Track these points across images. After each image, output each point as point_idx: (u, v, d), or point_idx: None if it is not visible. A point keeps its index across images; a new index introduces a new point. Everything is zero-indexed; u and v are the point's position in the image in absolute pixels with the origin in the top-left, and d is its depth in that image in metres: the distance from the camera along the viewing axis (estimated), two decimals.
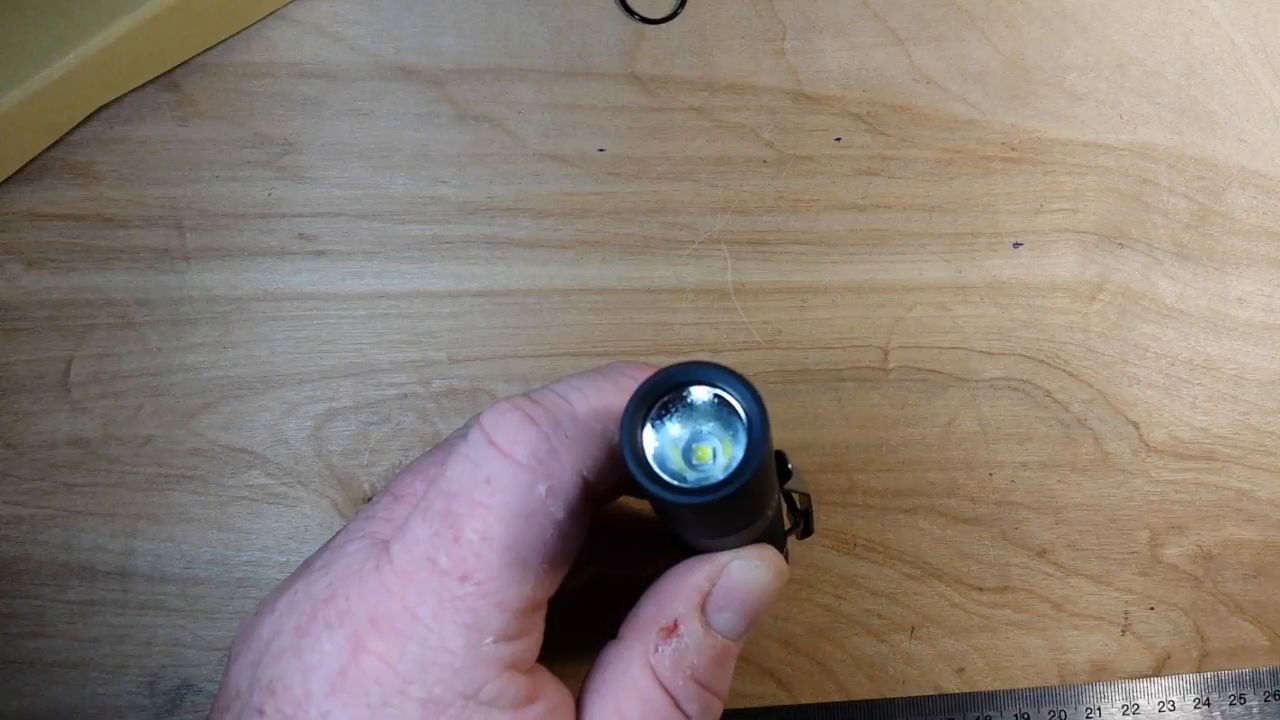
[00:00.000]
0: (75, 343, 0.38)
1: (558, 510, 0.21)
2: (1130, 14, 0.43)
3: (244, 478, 0.38)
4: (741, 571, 0.23)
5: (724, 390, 0.21)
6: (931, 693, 0.38)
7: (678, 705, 0.23)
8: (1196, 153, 0.42)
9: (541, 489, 0.21)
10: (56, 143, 0.39)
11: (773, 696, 0.37)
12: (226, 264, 0.39)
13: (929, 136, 0.41)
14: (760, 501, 0.23)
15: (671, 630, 0.23)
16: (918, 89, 0.42)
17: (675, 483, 0.20)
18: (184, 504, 0.37)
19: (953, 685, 0.38)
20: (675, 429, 0.21)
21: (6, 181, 0.38)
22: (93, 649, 0.36)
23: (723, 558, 0.24)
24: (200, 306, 0.38)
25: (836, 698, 0.38)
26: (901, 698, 0.38)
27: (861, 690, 0.38)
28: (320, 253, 0.39)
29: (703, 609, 0.23)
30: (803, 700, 0.37)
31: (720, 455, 0.21)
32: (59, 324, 0.38)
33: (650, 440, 0.21)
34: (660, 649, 0.23)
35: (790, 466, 0.26)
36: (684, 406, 0.21)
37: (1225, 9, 0.43)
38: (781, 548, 0.27)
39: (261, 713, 0.21)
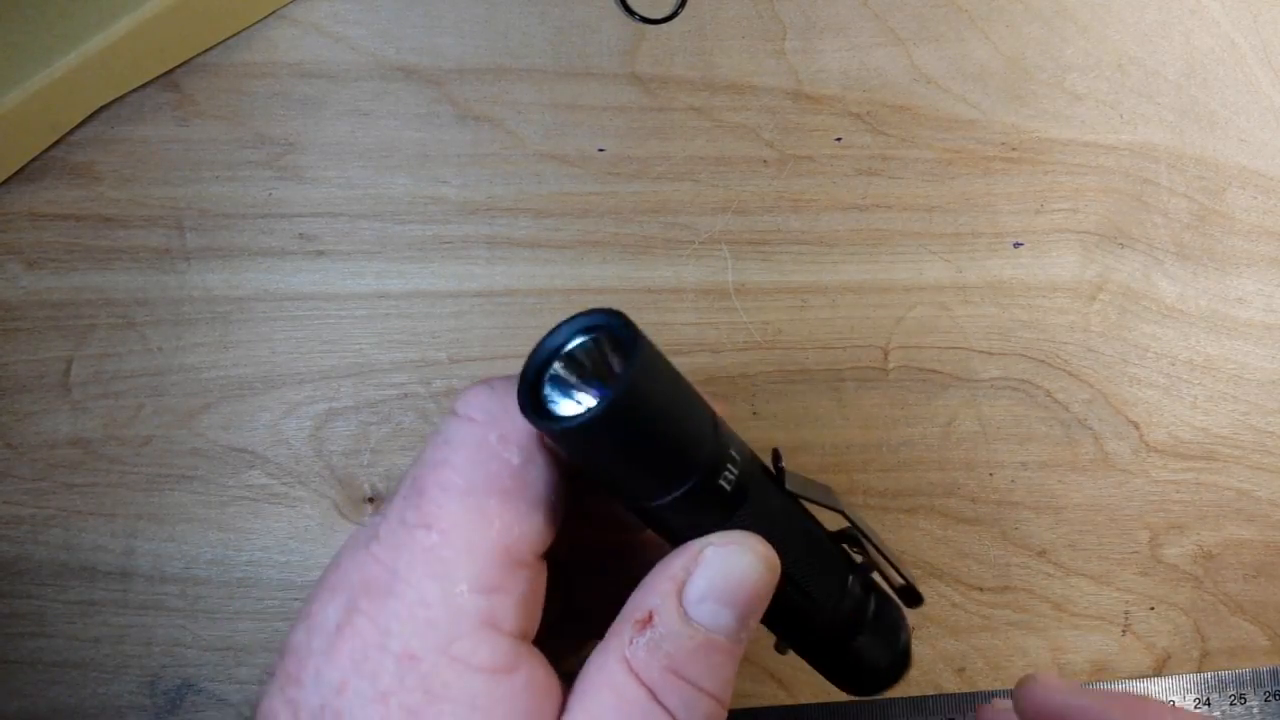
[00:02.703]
0: (75, 343, 0.38)
1: (512, 456, 0.22)
2: (1130, 14, 0.43)
3: (244, 478, 0.38)
4: (717, 556, 0.23)
5: (592, 333, 0.21)
6: (931, 693, 0.38)
7: (656, 699, 0.22)
8: (1196, 153, 0.42)
9: (493, 437, 0.22)
10: (57, 143, 0.38)
11: (772, 696, 0.37)
12: (227, 264, 0.39)
13: (929, 136, 0.41)
14: (672, 437, 0.22)
15: (646, 622, 0.22)
16: (918, 89, 0.42)
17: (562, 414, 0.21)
18: (184, 504, 0.37)
19: (953, 685, 0.38)
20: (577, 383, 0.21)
21: (6, 181, 0.38)
22: (93, 649, 0.36)
23: (697, 543, 0.23)
24: (200, 306, 0.38)
25: (837, 698, 0.37)
26: (901, 698, 0.38)
27: None
28: (320, 253, 0.39)
29: (679, 599, 0.23)
30: (802, 700, 0.37)
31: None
32: (59, 324, 0.38)
33: (569, 408, 0.21)
34: (635, 641, 0.22)
35: (781, 465, 0.26)
36: (572, 362, 0.21)
37: (1225, 9, 0.43)
38: (831, 590, 0.26)
39: (272, 675, 0.23)
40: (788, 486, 0.25)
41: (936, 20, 0.42)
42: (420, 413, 0.38)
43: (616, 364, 0.21)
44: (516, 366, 0.41)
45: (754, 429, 0.39)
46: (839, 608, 0.26)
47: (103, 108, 0.39)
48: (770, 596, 0.24)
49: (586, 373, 0.22)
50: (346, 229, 0.39)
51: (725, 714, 0.23)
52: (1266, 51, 0.43)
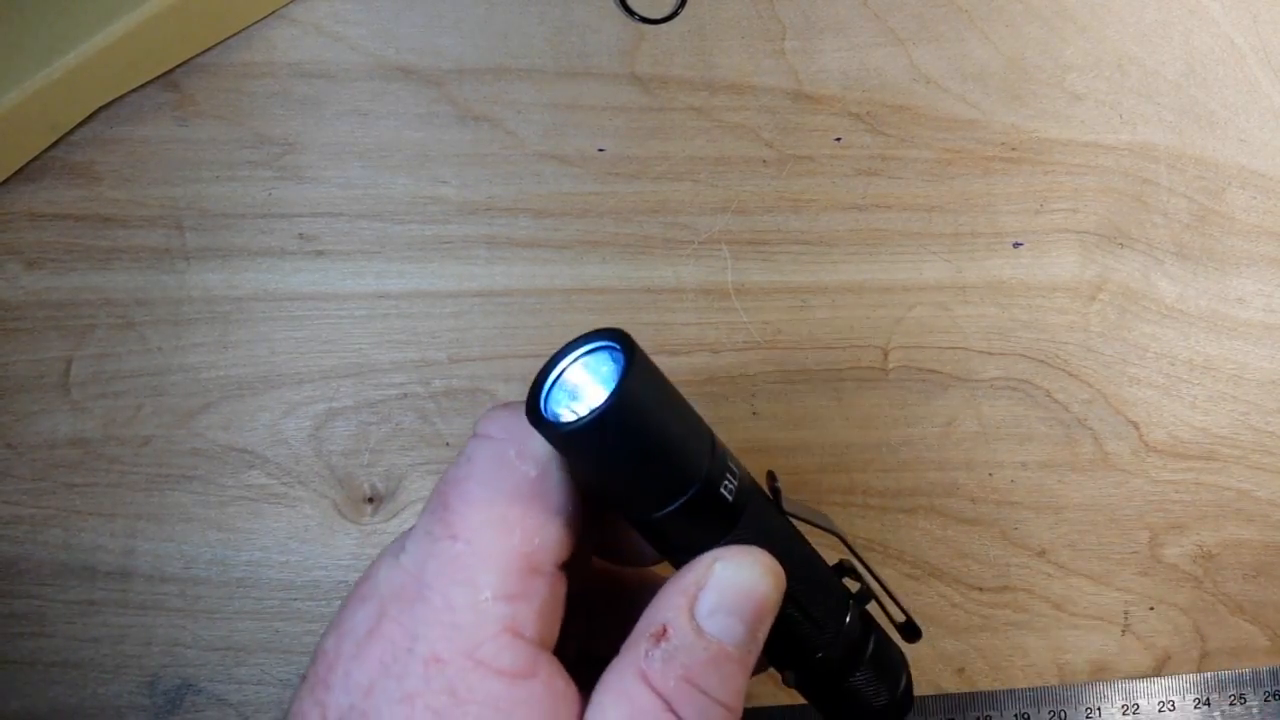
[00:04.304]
0: (75, 343, 0.38)
1: (529, 469, 0.23)
2: (1130, 14, 0.43)
3: (244, 478, 0.38)
4: (725, 570, 0.23)
5: (594, 349, 0.23)
6: (931, 693, 0.38)
7: (672, 709, 0.23)
8: (1196, 153, 0.42)
9: (511, 452, 0.23)
10: (56, 143, 0.38)
11: (773, 696, 0.37)
12: (226, 264, 0.39)
13: (929, 136, 0.41)
14: (668, 444, 0.22)
15: (661, 635, 0.23)
16: (917, 89, 0.42)
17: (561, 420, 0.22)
18: (184, 504, 0.37)
19: (953, 685, 0.38)
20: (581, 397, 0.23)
21: (6, 181, 0.38)
22: (92, 649, 0.36)
23: (706, 558, 0.24)
24: (200, 306, 0.38)
25: None
26: None
27: None
28: (320, 253, 0.39)
29: (692, 612, 0.23)
30: (801, 700, 0.37)
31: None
32: (59, 324, 0.38)
33: (571, 415, 0.22)
34: (650, 654, 0.23)
35: (777, 486, 0.26)
36: (575, 374, 0.23)
37: (1225, 9, 0.43)
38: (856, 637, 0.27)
39: (305, 678, 0.24)
40: (785, 509, 0.26)
41: (936, 20, 0.42)
42: (420, 413, 0.38)
43: (614, 375, 0.22)
44: (516, 366, 0.41)
45: (753, 429, 0.39)
46: (838, 639, 0.27)
47: (102, 108, 0.39)
48: (776, 609, 0.24)
49: (588, 384, 0.23)
50: (346, 229, 0.39)
51: None
52: (1266, 51, 0.43)
